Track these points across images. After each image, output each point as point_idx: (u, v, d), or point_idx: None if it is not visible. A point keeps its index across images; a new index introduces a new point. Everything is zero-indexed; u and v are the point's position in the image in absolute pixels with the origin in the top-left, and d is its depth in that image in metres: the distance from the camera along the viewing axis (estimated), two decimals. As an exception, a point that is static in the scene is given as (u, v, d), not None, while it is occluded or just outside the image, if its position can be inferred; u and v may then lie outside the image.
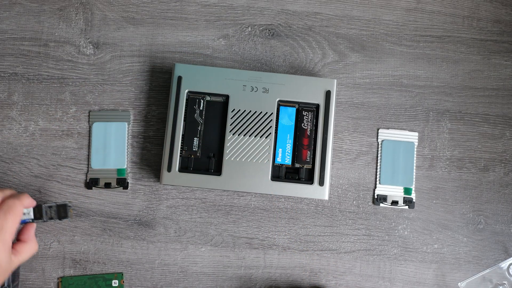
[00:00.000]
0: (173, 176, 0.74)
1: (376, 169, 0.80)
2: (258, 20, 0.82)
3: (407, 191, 0.79)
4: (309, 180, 0.75)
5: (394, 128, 0.80)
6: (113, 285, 0.76)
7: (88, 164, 0.79)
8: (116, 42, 0.82)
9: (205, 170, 0.75)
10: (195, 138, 0.76)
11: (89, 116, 0.80)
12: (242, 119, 0.75)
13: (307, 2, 0.83)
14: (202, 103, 0.76)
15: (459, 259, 0.78)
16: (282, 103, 0.76)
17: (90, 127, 0.80)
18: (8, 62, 0.81)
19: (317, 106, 0.76)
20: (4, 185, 0.78)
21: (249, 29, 0.82)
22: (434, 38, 0.82)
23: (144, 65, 0.81)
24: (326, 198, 0.74)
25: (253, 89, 0.76)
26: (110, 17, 0.82)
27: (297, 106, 0.76)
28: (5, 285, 0.74)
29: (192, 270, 0.77)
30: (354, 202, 0.79)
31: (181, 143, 0.75)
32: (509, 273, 0.78)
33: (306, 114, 0.76)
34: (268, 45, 0.82)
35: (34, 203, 0.69)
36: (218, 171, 0.75)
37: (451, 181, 0.80)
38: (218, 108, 0.76)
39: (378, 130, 0.80)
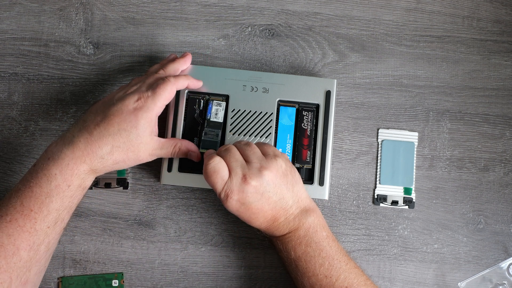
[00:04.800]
0: (173, 176, 0.74)
1: (376, 169, 0.80)
2: (258, 20, 0.83)
3: (407, 191, 0.79)
4: (309, 180, 0.75)
5: (394, 128, 0.81)
6: (113, 285, 0.76)
7: (88, 164, 0.79)
8: (116, 42, 0.82)
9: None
10: (195, 138, 0.76)
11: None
12: (242, 119, 0.75)
13: (307, 2, 0.83)
14: (202, 103, 0.76)
15: (459, 259, 0.78)
16: (282, 103, 0.76)
17: (90, 127, 0.79)
18: (8, 62, 0.81)
19: (317, 106, 0.76)
20: (3, 185, 0.78)
21: (249, 29, 0.82)
22: (434, 38, 0.82)
23: (144, 65, 0.81)
24: (326, 198, 0.75)
25: (253, 89, 0.76)
26: (110, 17, 0.82)
27: (297, 106, 0.76)
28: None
29: (192, 270, 0.77)
30: (354, 202, 0.79)
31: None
32: (509, 273, 0.78)
33: (306, 114, 0.76)
34: (268, 45, 0.82)
35: (195, 85, 0.75)
36: (218, 171, 0.75)
37: (451, 181, 0.80)
38: (218, 108, 0.76)
39: (378, 130, 0.80)
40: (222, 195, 0.65)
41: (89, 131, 0.65)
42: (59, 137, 0.67)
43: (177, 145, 0.71)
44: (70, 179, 0.64)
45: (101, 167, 0.66)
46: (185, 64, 0.75)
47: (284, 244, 0.68)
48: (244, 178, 0.65)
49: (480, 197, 0.79)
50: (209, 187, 0.73)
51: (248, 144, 0.69)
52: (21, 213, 0.63)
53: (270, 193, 0.66)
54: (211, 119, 0.74)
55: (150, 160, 0.70)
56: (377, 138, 0.80)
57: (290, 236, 0.67)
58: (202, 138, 0.74)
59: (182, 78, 0.72)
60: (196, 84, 0.74)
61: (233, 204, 0.65)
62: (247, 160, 0.67)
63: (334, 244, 0.68)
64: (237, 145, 0.69)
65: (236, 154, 0.67)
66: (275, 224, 0.67)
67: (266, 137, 0.75)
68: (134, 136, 0.66)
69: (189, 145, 0.72)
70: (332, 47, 0.82)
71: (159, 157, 0.71)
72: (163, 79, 0.69)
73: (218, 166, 0.65)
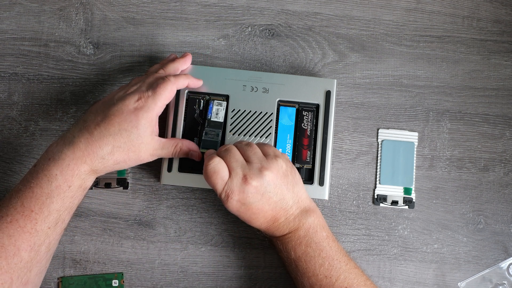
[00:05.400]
0: (173, 176, 0.74)
1: (376, 169, 0.80)
2: (258, 20, 0.83)
3: (407, 191, 0.79)
4: (309, 180, 0.75)
5: (394, 128, 0.81)
6: (113, 285, 0.76)
7: (88, 164, 0.79)
8: (116, 42, 0.82)
9: (205, 170, 0.75)
10: (195, 138, 0.76)
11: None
12: (242, 119, 0.75)
13: (307, 2, 0.83)
14: (202, 103, 0.76)
15: (459, 259, 0.78)
16: (282, 103, 0.76)
17: (90, 127, 0.79)
18: (8, 62, 0.81)
19: (317, 106, 0.76)
20: (3, 185, 0.78)
21: (249, 29, 0.82)
22: (434, 38, 0.82)
23: (144, 65, 0.81)
24: (326, 198, 0.75)
25: (253, 89, 0.76)
26: (110, 17, 0.82)
27: (297, 106, 0.76)
28: None
29: (192, 270, 0.77)
30: (354, 202, 0.79)
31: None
32: (509, 273, 0.78)
33: (306, 114, 0.76)
34: (268, 45, 0.82)
35: (195, 84, 0.74)
36: (218, 171, 0.75)
37: (451, 181, 0.80)
38: (218, 108, 0.76)
39: (378, 130, 0.80)
40: (223, 196, 0.65)
41: (89, 131, 0.65)
42: (60, 138, 0.67)
43: (178, 145, 0.71)
44: (70, 180, 0.64)
45: (102, 167, 0.66)
46: (185, 64, 0.75)
47: (284, 244, 0.68)
48: (245, 178, 0.65)
49: (480, 197, 0.79)
50: (209, 187, 0.73)
51: (248, 144, 0.69)
52: (21, 213, 0.63)
53: (270, 193, 0.66)
54: (211, 119, 0.74)
55: (151, 160, 0.70)
56: (377, 138, 0.80)
57: (290, 236, 0.67)
58: (203, 138, 0.74)
59: (182, 77, 0.72)
60: (196, 83, 0.74)
61: (234, 205, 0.65)
62: (247, 161, 0.67)
63: (334, 245, 0.68)
64: (238, 145, 0.69)
65: (236, 154, 0.67)
66: (275, 224, 0.67)
67: (266, 137, 0.75)
68: (135, 136, 0.66)
69: (190, 145, 0.72)
70: (332, 47, 0.82)
71: (160, 157, 0.71)
72: (163, 79, 0.69)
73: (218, 166, 0.65)
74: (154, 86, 0.68)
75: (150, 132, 0.67)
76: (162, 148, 0.70)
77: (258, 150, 0.68)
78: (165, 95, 0.68)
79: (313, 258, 0.67)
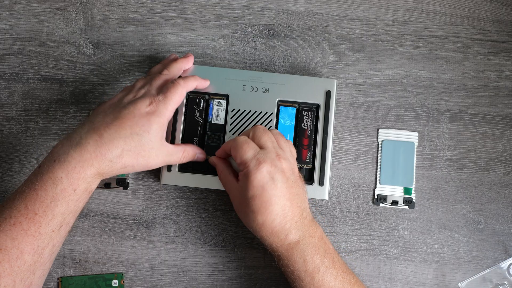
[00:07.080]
0: (173, 176, 0.74)
1: (376, 169, 0.80)
2: (258, 20, 0.83)
3: (407, 191, 0.79)
4: (309, 180, 0.75)
5: (394, 128, 0.80)
6: (113, 285, 0.76)
7: (88, 164, 0.79)
8: (116, 42, 0.82)
9: (205, 170, 0.75)
10: (195, 138, 0.76)
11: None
12: (242, 119, 0.75)
13: (307, 2, 0.83)
14: (202, 103, 0.76)
15: (459, 259, 0.78)
16: (282, 103, 0.76)
17: (90, 127, 0.79)
18: (8, 62, 0.81)
19: (317, 106, 0.76)
20: (3, 185, 0.78)
21: (249, 29, 0.82)
22: (434, 38, 0.82)
23: (144, 65, 0.81)
24: (326, 198, 0.75)
25: (253, 89, 0.76)
26: (110, 17, 0.82)
27: (297, 106, 0.76)
28: None
29: (192, 270, 0.77)
30: (354, 202, 0.79)
31: (181, 143, 0.75)
32: (509, 273, 0.78)
33: (306, 114, 0.76)
34: (268, 45, 0.82)
35: (202, 85, 0.75)
36: (218, 171, 0.75)
37: (451, 181, 0.80)
38: (218, 108, 0.76)
39: (378, 130, 0.80)
40: (253, 163, 0.63)
41: (98, 133, 0.64)
42: (65, 138, 0.65)
43: (185, 150, 0.71)
44: (76, 183, 0.63)
45: (109, 170, 0.65)
46: (187, 63, 0.74)
47: (299, 252, 0.65)
48: (278, 155, 0.65)
49: (480, 197, 0.79)
50: (209, 187, 0.73)
51: (278, 133, 0.70)
52: (25, 216, 0.62)
53: (293, 182, 0.65)
54: (212, 122, 0.74)
55: (159, 166, 0.69)
56: (377, 138, 0.80)
57: (305, 244, 0.65)
58: (205, 144, 0.74)
59: (191, 79, 0.71)
60: (203, 84, 0.74)
61: (263, 175, 0.63)
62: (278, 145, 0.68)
63: (340, 258, 0.67)
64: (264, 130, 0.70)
65: (269, 134, 0.68)
66: (288, 221, 0.64)
67: (266, 137, 0.75)
68: (146, 141, 0.65)
69: (195, 149, 0.72)
70: (332, 47, 0.82)
71: (168, 164, 0.70)
72: (173, 82, 0.69)
73: (249, 140, 0.66)
74: (164, 90, 0.68)
75: (161, 137, 0.67)
76: (171, 155, 0.69)
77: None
78: (176, 100, 0.68)
79: (328, 269, 0.65)
